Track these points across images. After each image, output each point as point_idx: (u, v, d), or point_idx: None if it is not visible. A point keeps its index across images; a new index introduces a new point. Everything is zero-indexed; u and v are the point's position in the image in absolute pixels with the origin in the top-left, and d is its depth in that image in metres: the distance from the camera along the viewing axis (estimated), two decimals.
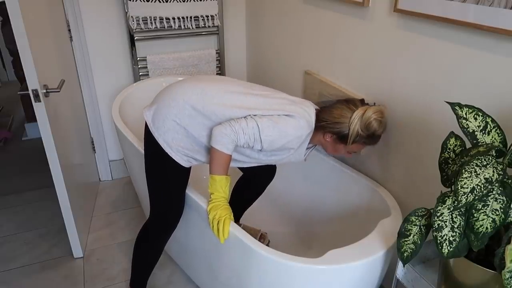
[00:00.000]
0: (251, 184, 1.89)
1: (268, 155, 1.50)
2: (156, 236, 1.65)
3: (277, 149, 1.44)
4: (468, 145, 1.03)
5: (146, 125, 1.50)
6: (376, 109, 1.40)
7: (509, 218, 0.93)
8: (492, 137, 0.98)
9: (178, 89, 1.48)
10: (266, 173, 1.85)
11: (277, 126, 1.36)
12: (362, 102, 1.48)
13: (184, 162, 1.49)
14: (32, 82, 1.63)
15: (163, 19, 2.43)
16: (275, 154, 1.49)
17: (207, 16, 2.54)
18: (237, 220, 1.98)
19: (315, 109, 1.48)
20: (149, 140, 1.49)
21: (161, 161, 1.49)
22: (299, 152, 1.52)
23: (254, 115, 1.37)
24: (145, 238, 1.66)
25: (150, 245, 1.67)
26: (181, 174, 1.53)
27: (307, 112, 1.44)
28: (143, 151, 1.56)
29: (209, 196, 1.42)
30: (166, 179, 1.54)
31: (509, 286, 0.83)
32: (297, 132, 1.41)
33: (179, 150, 1.46)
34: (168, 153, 1.46)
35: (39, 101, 1.66)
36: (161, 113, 1.46)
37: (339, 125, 1.41)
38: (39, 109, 1.68)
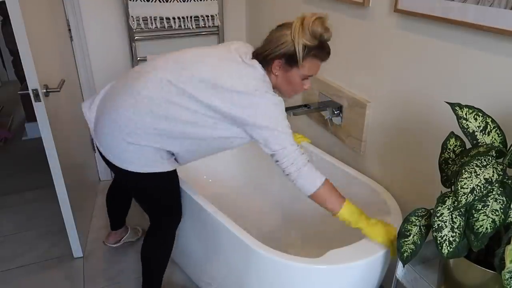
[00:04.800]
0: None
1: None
2: (171, 233, 1.64)
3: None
4: (468, 145, 1.03)
5: (125, 172, 1.40)
6: (313, 13, 1.26)
7: (509, 219, 0.94)
8: (492, 137, 0.98)
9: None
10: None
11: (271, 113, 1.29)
12: None
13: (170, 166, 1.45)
14: (32, 82, 1.63)
15: (163, 19, 2.43)
16: None
17: (207, 16, 2.53)
18: (123, 224, 2.08)
19: (252, 53, 1.37)
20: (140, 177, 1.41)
21: (167, 178, 1.48)
22: None
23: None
24: (157, 244, 1.65)
25: (166, 246, 1.66)
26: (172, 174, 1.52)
27: (254, 68, 1.31)
28: None
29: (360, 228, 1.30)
30: (172, 186, 1.55)
31: (509, 287, 0.83)
32: (273, 100, 1.29)
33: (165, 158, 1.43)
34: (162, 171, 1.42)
35: (39, 100, 1.66)
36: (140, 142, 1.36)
37: (282, 46, 1.28)
38: (39, 109, 1.68)
